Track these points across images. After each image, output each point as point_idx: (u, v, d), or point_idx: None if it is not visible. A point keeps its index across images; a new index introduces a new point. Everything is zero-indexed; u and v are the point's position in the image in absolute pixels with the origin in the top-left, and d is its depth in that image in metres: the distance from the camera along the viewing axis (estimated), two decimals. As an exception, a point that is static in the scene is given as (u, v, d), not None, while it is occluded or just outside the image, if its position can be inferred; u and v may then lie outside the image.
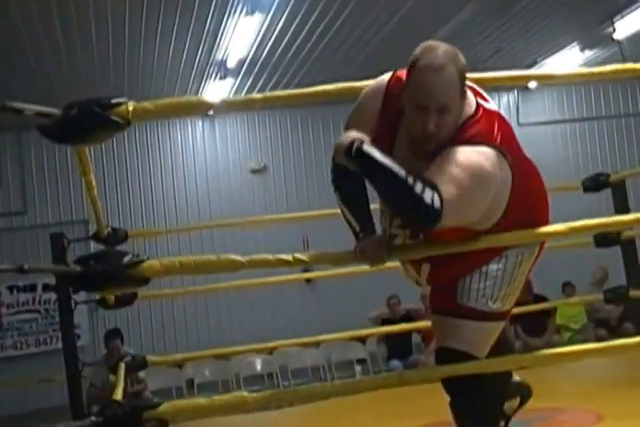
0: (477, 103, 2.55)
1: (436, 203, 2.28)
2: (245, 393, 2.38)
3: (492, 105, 2.61)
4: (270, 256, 2.47)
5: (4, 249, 10.07)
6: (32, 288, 10.62)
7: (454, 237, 2.56)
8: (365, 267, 2.68)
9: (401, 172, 2.29)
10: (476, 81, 2.68)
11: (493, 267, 2.63)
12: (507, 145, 2.51)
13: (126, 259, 2.25)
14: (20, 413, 10.79)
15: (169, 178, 11.09)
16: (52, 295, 10.25)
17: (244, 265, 2.41)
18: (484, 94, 2.63)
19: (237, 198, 11.07)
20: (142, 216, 10.89)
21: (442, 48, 2.42)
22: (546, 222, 2.74)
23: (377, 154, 2.31)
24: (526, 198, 2.61)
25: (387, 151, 2.40)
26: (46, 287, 10.43)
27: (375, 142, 2.39)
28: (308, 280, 10.61)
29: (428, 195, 2.27)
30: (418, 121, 2.41)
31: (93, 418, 2.20)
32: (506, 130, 2.56)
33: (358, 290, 9.91)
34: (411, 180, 2.27)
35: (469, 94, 2.54)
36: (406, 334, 9.03)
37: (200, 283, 9.61)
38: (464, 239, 2.57)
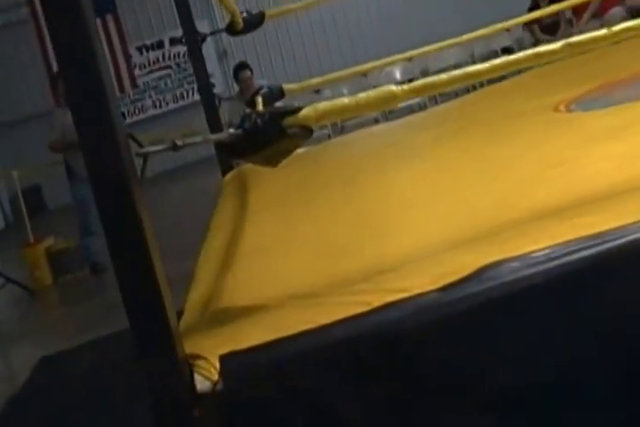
0: None
1: None
2: (393, 87, 2.14)
3: None
4: None
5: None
6: (160, 45, 10.46)
7: None
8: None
9: None
10: None
11: None
12: None
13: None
14: (171, 168, 11.23)
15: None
16: (181, 49, 10.11)
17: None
18: None
19: None
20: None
21: None
22: None
23: None
24: None
25: None
26: (173, 41, 10.28)
27: None
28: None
29: None
30: None
31: (232, 130, 2.01)
32: None
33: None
34: None
35: None
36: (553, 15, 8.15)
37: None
38: None
